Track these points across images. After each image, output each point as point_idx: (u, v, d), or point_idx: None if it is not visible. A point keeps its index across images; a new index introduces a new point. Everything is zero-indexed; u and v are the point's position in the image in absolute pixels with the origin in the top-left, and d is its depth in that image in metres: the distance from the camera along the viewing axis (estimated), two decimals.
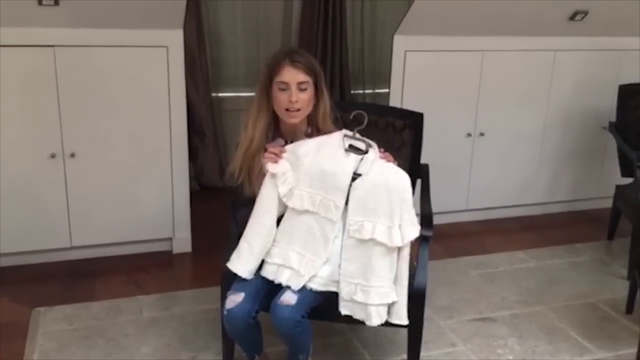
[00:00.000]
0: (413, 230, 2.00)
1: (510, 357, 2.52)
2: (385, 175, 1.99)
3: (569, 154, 4.02)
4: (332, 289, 2.02)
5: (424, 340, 2.25)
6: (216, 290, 2.34)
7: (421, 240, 2.24)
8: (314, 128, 2.13)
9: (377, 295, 1.99)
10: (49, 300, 2.81)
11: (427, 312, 2.32)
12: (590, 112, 3.95)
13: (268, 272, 2.05)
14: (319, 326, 2.27)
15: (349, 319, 2.05)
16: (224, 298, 2.05)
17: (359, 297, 1.99)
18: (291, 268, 2.00)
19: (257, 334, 2.12)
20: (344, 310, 2.03)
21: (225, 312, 1.99)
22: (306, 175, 2.00)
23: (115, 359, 2.42)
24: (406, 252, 2.02)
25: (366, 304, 1.99)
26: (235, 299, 1.99)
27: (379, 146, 2.07)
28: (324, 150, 2.01)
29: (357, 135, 2.03)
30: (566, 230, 3.87)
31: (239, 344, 2.17)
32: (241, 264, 2.03)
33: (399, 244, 1.98)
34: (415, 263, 2.26)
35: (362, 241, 1.98)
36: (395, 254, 2.01)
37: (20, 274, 3.05)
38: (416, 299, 2.15)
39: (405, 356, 2.30)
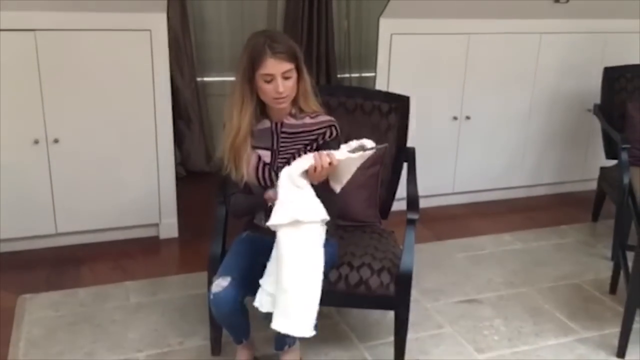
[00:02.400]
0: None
1: (496, 338, 2.55)
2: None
3: (554, 136, 4.04)
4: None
5: (410, 323, 2.26)
6: (203, 275, 2.34)
7: (407, 224, 2.25)
8: (297, 108, 2.12)
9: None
10: (34, 287, 2.80)
11: (414, 294, 2.34)
12: (575, 94, 3.96)
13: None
14: None
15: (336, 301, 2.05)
16: (210, 283, 2.05)
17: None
18: None
19: (244, 318, 2.12)
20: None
21: (211, 297, 1.99)
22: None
23: (103, 345, 2.42)
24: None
25: None
26: (221, 283, 1.98)
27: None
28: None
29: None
30: (551, 212, 3.90)
31: (226, 328, 2.17)
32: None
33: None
34: (401, 246, 2.27)
35: None
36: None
37: (5, 261, 3.02)
38: (403, 282, 2.16)
39: (392, 338, 2.31)
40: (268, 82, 2.00)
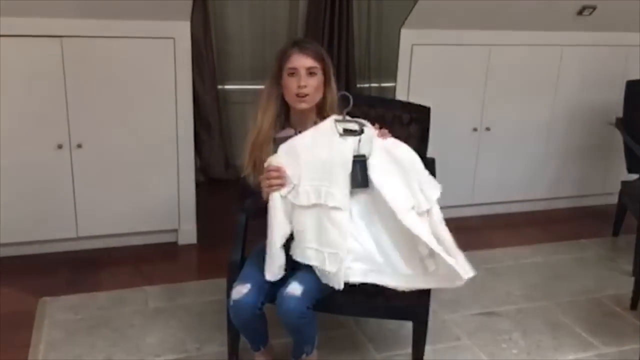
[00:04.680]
0: (435, 189, 2.04)
1: (515, 352, 2.53)
2: (390, 151, 2.01)
3: (574, 149, 4.01)
4: (370, 280, 2.00)
5: (428, 334, 2.25)
6: (221, 281, 2.35)
7: None
8: (321, 118, 2.13)
9: (443, 257, 1.96)
10: (55, 290, 2.83)
11: (432, 306, 2.31)
12: (596, 107, 3.94)
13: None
14: (323, 319, 2.27)
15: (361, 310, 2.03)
16: (230, 289, 2.06)
17: (431, 265, 1.99)
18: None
19: (262, 326, 2.13)
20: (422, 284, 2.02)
21: (231, 303, 2.00)
22: (307, 170, 1.98)
23: (121, 348, 2.43)
24: (436, 211, 2.03)
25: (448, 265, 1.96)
26: (241, 289, 1.99)
27: (372, 123, 2.09)
28: (319, 140, 2.00)
29: (347, 118, 2.03)
30: (571, 225, 3.87)
31: (244, 335, 2.18)
32: (272, 273, 2.02)
33: (426, 206, 2.00)
34: None
35: (396, 220, 1.96)
36: (426, 218, 2.02)
37: (26, 264, 3.07)
38: (421, 293, 2.15)
39: (410, 350, 2.30)
40: (292, 75, 2.04)
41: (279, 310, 1.96)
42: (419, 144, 2.60)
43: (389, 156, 2.01)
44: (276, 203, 1.99)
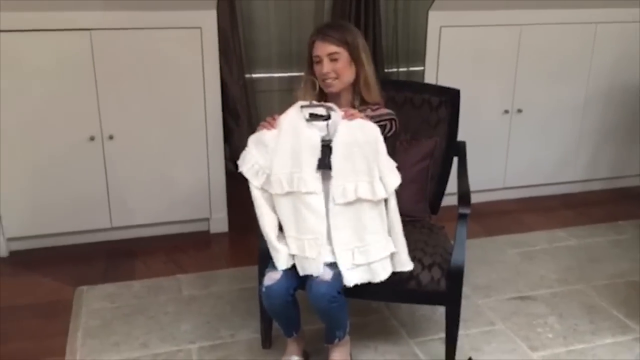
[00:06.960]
0: (394, 178, 2.01)
1: (550, 336, 2.49)
2: (353, 134, 2.00)
3: (610, 129, 3.91)
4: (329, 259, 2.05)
5: (462, 319, 2.23)
6: (253, 269, 2.37)
7: (459, 218, 2.22)
8: (358, 99, 2.19)
9: (376, 251, 2.03)
10: (91, 280, 2.88)
11: (465, 290, 2.30)
12: (632, 86, 3.83)
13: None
14: (356, 305, 2.28)
15: (361, 291, 2.07)
16: (261, 275, 2.08)
17: (359, 259, 2.02)
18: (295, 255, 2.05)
19: (294, 312, 2.13)
20: (350, 282, 2.02)
21: (263, 289, 2.01)
22: (278, 158, 2.03)
23: (157, 336, 2.47)
24: (393, 203, 2.04)
25: (368, 263, 2.03)
26: (273, 276, 2.01)
27: (393, 108, 2.14)
28: (285, 127, 2.04)
29: (314, 102, 2.06)
30: (607, 207, 3.79)
31: (277, 321, 2.18)
32: (282, 262, 2.06)
33: (383, 195, 2.00)
34: (452, 241, 2.24)
35: (348, 204, 2.00)
36: (382, 207, 2.03)
37: (63, 254, 3.13)
38: (454, 277, 2.14)
39: (443, 334, 2.28)
40: (317, 63, 2.12)
41: (310, 294, 1.97)
42: (449, 128, 2.58)
43: (352, 139, 1.99)
44: (256, 195, 2.08)
